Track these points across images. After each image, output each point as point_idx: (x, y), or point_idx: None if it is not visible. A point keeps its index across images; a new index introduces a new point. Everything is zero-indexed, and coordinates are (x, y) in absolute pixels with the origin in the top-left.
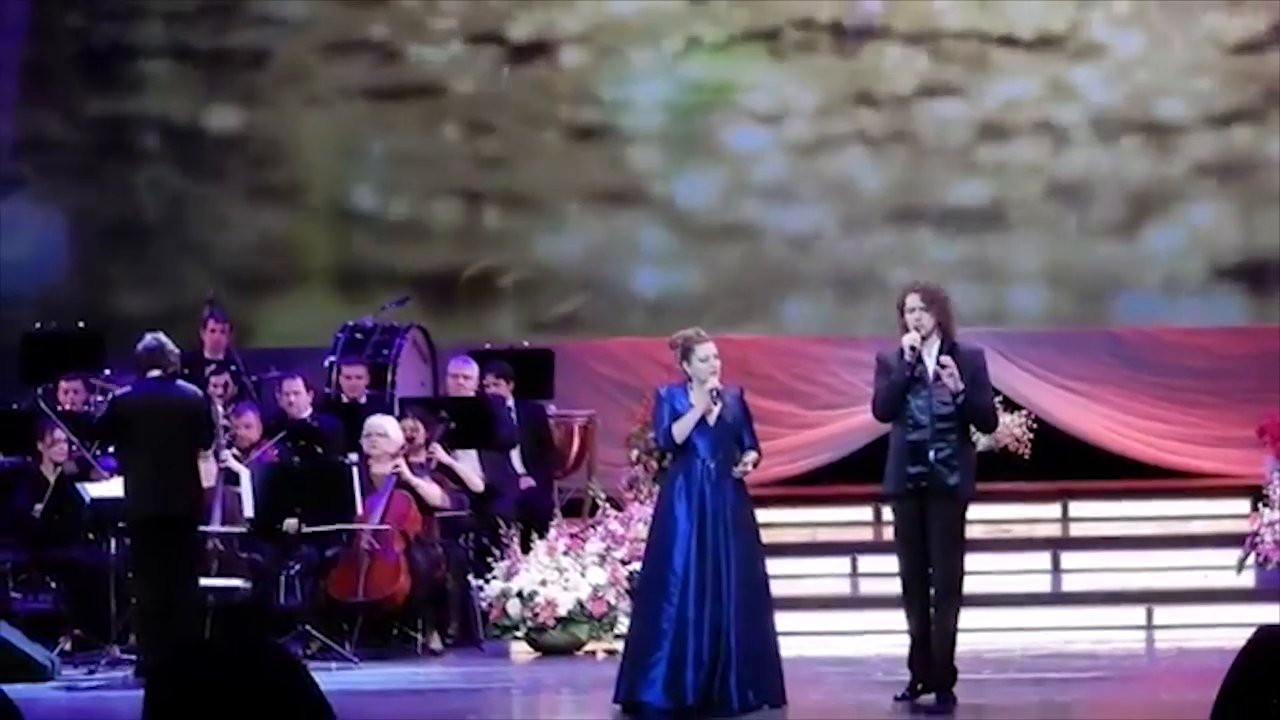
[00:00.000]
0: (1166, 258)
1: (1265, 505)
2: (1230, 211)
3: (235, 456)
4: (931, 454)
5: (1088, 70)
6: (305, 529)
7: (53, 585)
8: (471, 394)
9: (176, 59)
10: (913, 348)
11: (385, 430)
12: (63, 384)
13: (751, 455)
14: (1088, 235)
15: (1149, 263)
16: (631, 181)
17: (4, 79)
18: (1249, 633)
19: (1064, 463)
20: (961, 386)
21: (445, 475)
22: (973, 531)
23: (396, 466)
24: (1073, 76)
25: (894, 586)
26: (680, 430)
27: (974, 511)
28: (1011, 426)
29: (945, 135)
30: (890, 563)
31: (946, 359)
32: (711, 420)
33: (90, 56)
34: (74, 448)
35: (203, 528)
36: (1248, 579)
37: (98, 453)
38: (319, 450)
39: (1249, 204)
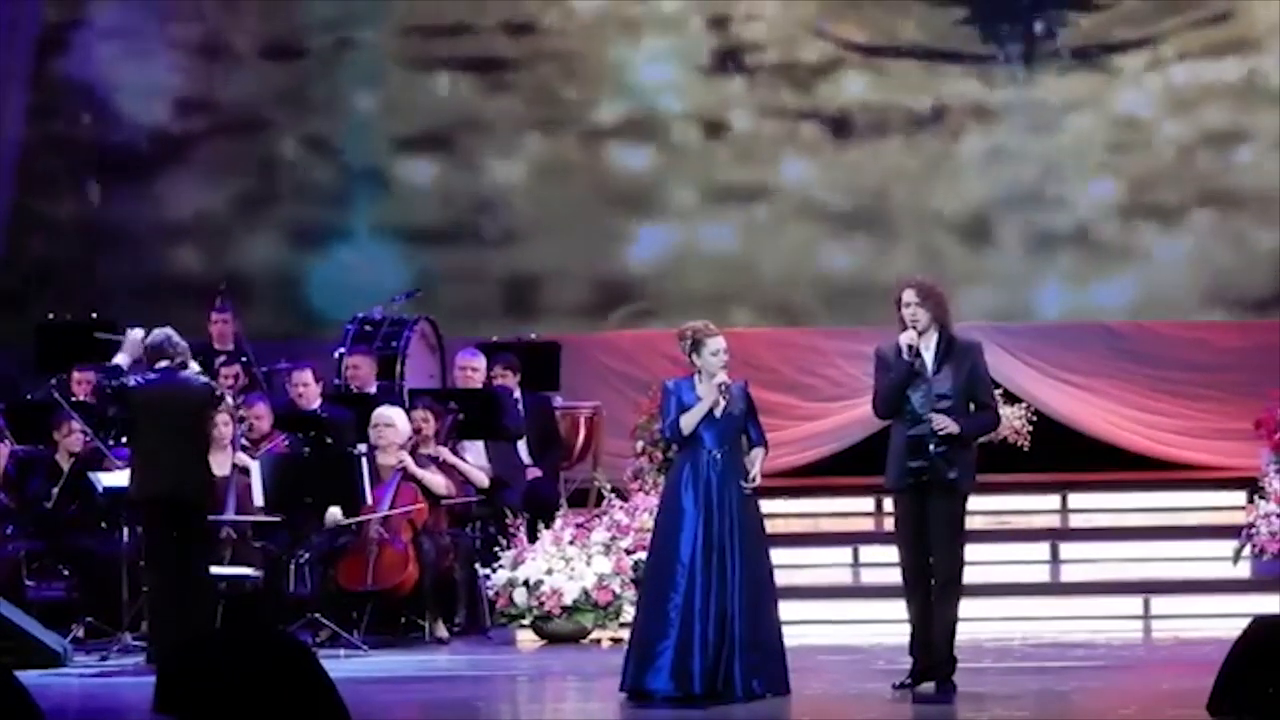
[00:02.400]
0: None
1: (1261, 497)
2: None
3: (244, 448)
4: (931, 448)
5: None
6: (343, 520)
7: (66, 573)
8: (479, 385)
9: None
10: (910, 345)
11: (393, 421)
12: (76, 374)
13: (758, 455)
14: None
15: None
16: None
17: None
18: (1245, 623)
19: (1063, 455)
20: (958, 429)
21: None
22: (972, 522)
23: (401, 461)
24: None
25: (895, 576)
26: (688, 422)
27: (974, 502)
28: (1011, 419)
29: None
30: (891, 553)
31: (941, 422)
32: (718, 413)
33: None
34: (89, 438)
35: (220, 517)
36: (1244, 570)
37: (112, 442)
38: (329, 441)
39: None
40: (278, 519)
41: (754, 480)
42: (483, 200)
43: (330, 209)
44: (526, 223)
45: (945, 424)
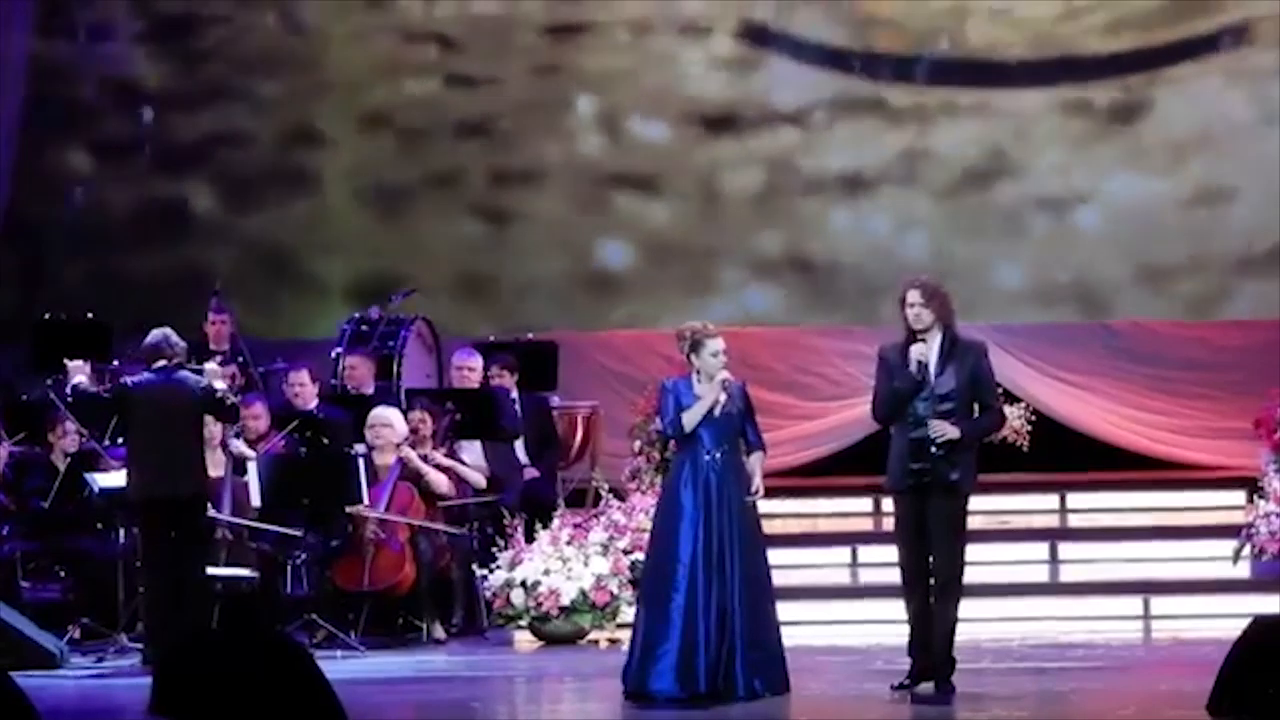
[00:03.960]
0: None
1: (1260, 497)
2: None
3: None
4: (933, 450)
5: None
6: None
7: (62, 574)
8: (476, 385)
9: None
10: (920, 361)
11: (390, 421)
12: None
13: (758, 461)
14: None
15: None
16: None
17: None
18: (1244, 623)
19: (1062, 455)
20: (959, 434)
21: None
22: (972, 522)
23: (403, 452)
24: None
25: (894, 576)
26: (690, 420)
27: (973, 503)
28: (1010, 418)
29: None
30: (890, 553)
31: (940, 430)
32: (718, 411)
33: None
34: (84, 438)
35: (213, 514)
36: (1243, 570)
37: (107, 442)
38: (325, 441)
39: None
40: (298, 533)
41: (757, 491)
42: None
43: None
44: None
45: (944, 432)
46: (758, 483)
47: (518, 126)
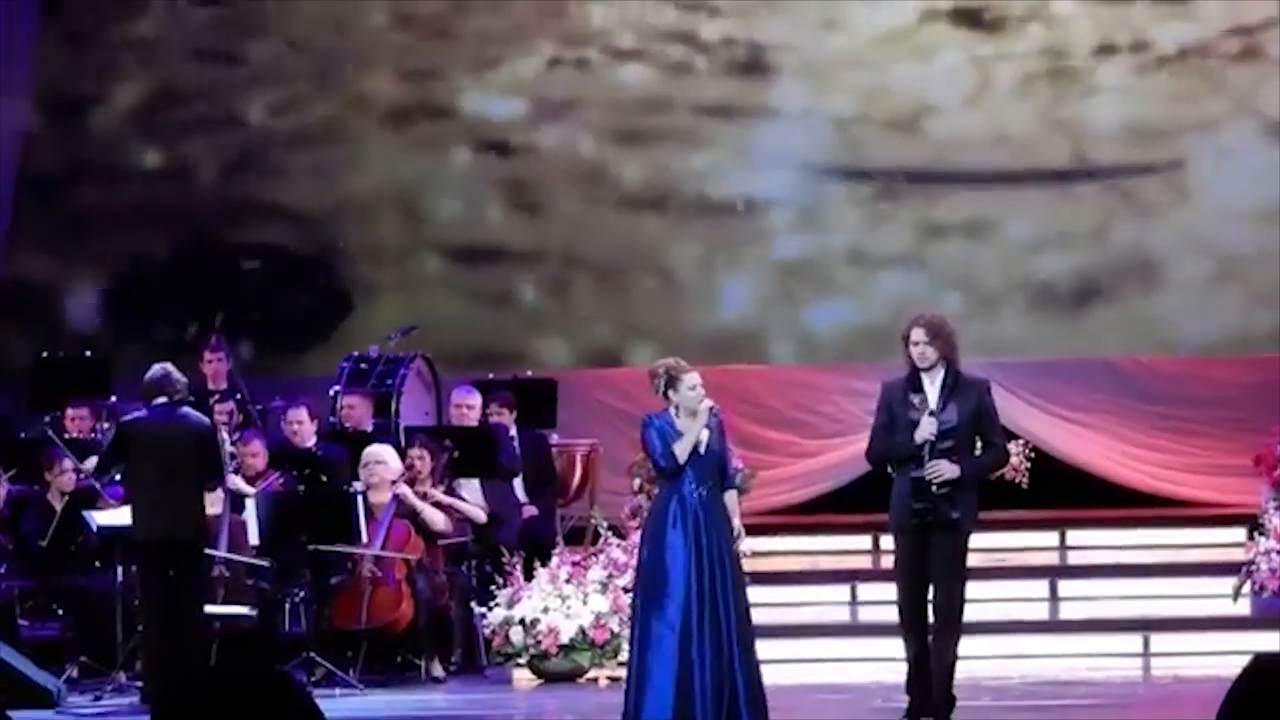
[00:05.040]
0: None
1: (1261, 534)
2: None
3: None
4: (934, 489)
5: None
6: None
7: (59, 613)
8: (475, 423)
9: None
10: (929, 440)
11: (383, 458)
12: (70, 411)
13: (733, 501)
14: None
15: None
16: None
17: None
18: (1244, 660)
19: (1061, 491)
20: (958, 474)
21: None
22: (971, 560)
23: (399, 490)
24: None
25: (894, 614)
26: (682, 451)
27: (972, 540)
28: (1010, 455)
29: None
30: (890, 590)
31: (937, 472)
32: (702, 448)
33: None
34: (81, 475)
35: (210, 550)
36: (1243, 607)
37: (105, 481)
38: (323, 479)
39: None
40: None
41: (739, 533)
42: None
43: None
44: None
45: (942, 473)
46: (738, 524)
47: None
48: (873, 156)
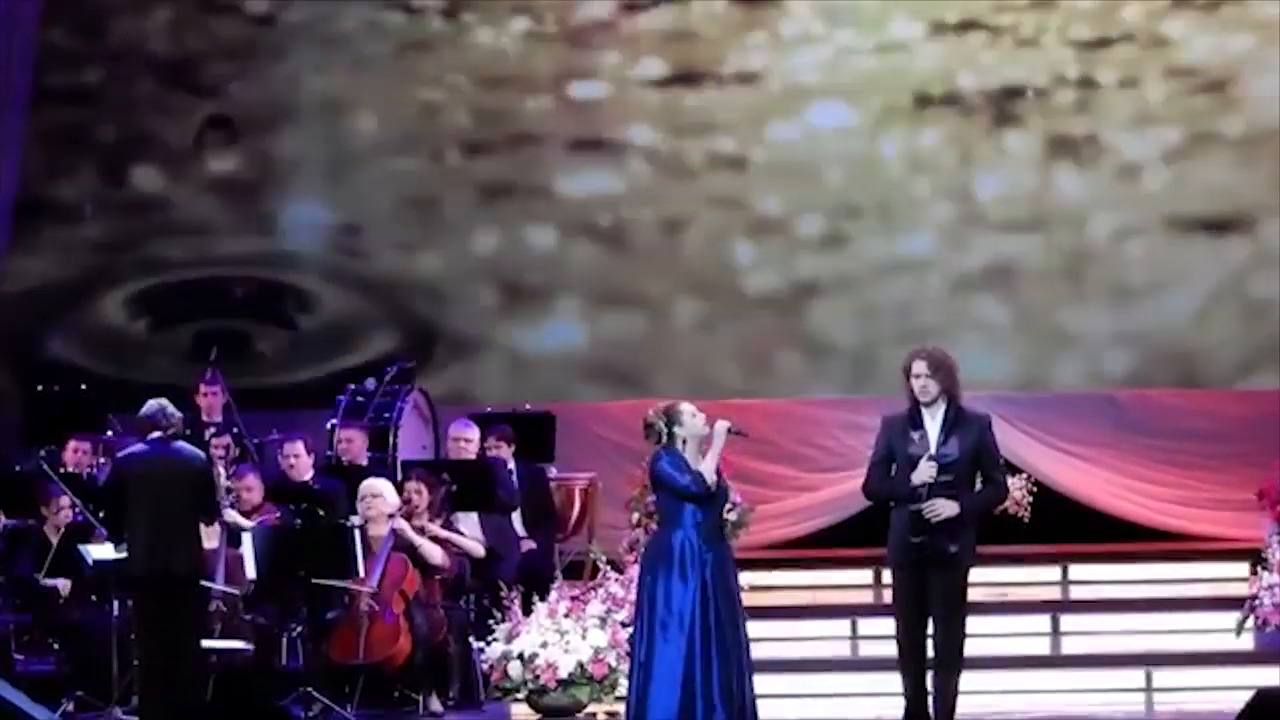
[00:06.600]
0: None
1: (1264, 568)
2: None
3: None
4: (933, 523)
5: None
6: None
7: (55, 647)
8: (473, 457)
9: None
10: (927, 483)
11: (380, 492)
12: (71, 444)
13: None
14: None
15: None
16: None
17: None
18: (1248, 695)
19: (1063, 526)
20: (955, 512)
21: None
22: (972, 594)
23: (396, 524)
24: None
25: (894, 649)
26: (709, 470)
27: (973, 574)
28: (1012, 489)
29: None
30: (891, 625)
31: (935, 511)
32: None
33: None
34: (77, 510)
35: (205, 583)
36: (1247, 642)
37: (102, 515)
38: (320, 513)
39: None
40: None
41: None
42: None
43: None
44: None
45: (939, 513)
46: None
47: None
48: None
